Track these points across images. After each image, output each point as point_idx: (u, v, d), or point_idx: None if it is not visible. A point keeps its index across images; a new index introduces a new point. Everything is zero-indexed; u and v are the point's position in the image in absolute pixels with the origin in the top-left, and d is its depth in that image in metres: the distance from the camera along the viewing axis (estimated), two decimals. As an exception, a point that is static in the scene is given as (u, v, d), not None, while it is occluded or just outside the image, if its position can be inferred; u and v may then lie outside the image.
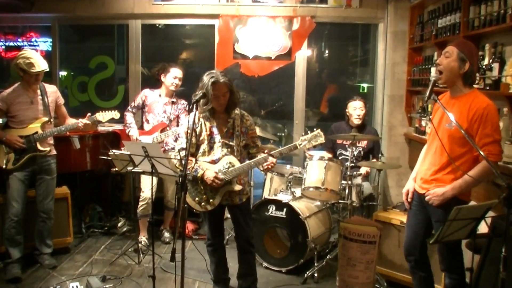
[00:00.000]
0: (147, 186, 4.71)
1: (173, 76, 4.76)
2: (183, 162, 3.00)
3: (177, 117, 4.88)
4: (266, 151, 3.50)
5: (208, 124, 3.51)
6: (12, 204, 4.10)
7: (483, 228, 2.87)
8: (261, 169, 3.49)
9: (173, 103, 4.85)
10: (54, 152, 4.36)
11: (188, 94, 5.17)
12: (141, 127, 4.94)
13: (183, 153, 3.43)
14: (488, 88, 3.51)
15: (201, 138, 3.52)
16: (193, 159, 3.47)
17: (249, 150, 3.63)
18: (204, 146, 3.52)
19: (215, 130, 3.51)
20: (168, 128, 4.80)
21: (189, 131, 3.17)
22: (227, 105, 3.47)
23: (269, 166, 3.42)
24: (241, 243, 3.68)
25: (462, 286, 3.09)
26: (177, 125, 4.83)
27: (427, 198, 3.01)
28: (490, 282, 3.07)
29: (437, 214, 3.00)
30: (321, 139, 3.44)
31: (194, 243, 4.63)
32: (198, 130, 3.50)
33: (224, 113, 3.53)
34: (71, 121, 4.37)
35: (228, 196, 3.54)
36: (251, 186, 5.01)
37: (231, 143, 3.50)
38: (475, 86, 3.64)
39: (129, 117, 4.88)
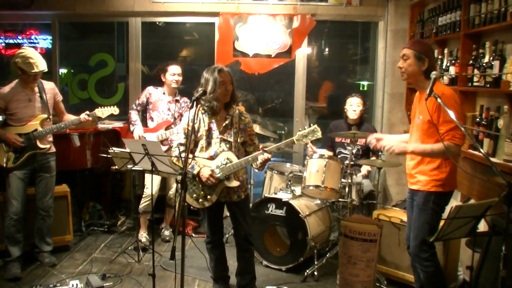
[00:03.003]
0: (150, 183, 4.71)
1: (171, 74, 4.78)
2: (181, 159, 3.00)
3: (181, 115, 4.90)
4: (261, 147, 3.51)
5: (206, 120, 3.52)
6: (11, 202, 4.10)
7: (482, 226, 2.88)
8: (255, 166, 3.48)
9: (176, 101, 4.88)
10: (53, 149, 4.35)
11: (189, 91, 5.17)
12: (144, 124, 4.96)
13: (181, 148, 3.46)
14: (488, 86, 3.51)
15: (199, 134, 3.52)
16: (190, 156, 3.46)
17: (246, 148, 3.62)
18: (202, 142, 3.53)
19: (213, 126, 3.52)
20: (172, 125, 4.81)
21: (188, 128, 3.18)
22: (228, 100, 3.49)
23: (264, 160, 3.41)
24: (239, 241, 3.68)
25: (438, 276, 3.13)
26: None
27: (391, 147, 3.10)
28: (490, 280, 3.08)
29: (419, 203, 3.10)
30: (318, 134, 3.46)
31: (194, 241, 4.63)
32: (196, 126, 3.50)
33: (223, 109, 3.54)
34: (69, 117, 4.35)
35: (226, 193, 3.54)
36: (251, 184, 5.01)
37: (229, 139, 3.51)
38: (475, 84, 3.66)
39: (134, 114, 4.90)
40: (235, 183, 3.49)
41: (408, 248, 3.34)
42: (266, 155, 3.39)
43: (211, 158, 3.48)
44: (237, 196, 3.57)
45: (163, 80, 4.85)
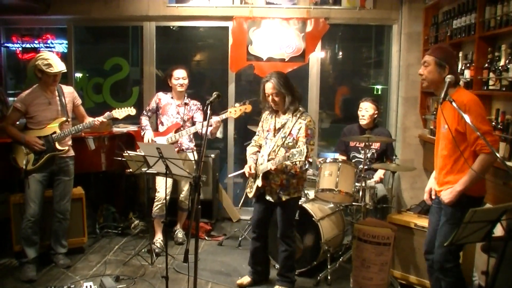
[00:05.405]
0: (162, 186, 4.74)
1: (175, 78, 4.83)
2: (199, 162, 3.11)
3: (191, 117, 4.93)
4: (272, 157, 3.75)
5: (270, 121, 3.83)
6: (29, 205, 4.15)
7: (499, 231, 2.84)
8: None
9: (185, 104, 4.91)
10: (72, 153, 4.41)
11: (200, 94, 5.19)
12: (155, 129, 4.99)
13: (252, 142, 4.02)
14: (504, 89, 3.47)
15: (264, 134, 3.90)
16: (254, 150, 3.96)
17: None
18: (262, 140, 3.92)
19: (271, 127, 3.81)
20: (182, 128, 4.83)
21: (259, 126, 3.97)
22: (277, 108, 3.80)
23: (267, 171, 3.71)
24: (279, 238, 3.93)
25: (458, 287, 3.09)
26: (192, 125, 4.87)
27: (441, 199, 3.07)
28: (506, 285, 3.04)
29: (447, 212, 3.05)
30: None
31: (207, 245, 4.64)
32: (264, 125, 3.92)
33: (283, 112, 3.79)
34: (89, 120, 4.40)
35: (270, 192, 3.81)
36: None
37: (274, 141, 3.75)
38: (491, 87, 3.63)
39: (144, 120, 4.95)
40: (259, 183, 3.74)
41: (425, 253, 3.30)
42: (269, 167, 3.64)
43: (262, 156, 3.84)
44: (277, 197, 3.76)
45: (170, 85, 4.90)
